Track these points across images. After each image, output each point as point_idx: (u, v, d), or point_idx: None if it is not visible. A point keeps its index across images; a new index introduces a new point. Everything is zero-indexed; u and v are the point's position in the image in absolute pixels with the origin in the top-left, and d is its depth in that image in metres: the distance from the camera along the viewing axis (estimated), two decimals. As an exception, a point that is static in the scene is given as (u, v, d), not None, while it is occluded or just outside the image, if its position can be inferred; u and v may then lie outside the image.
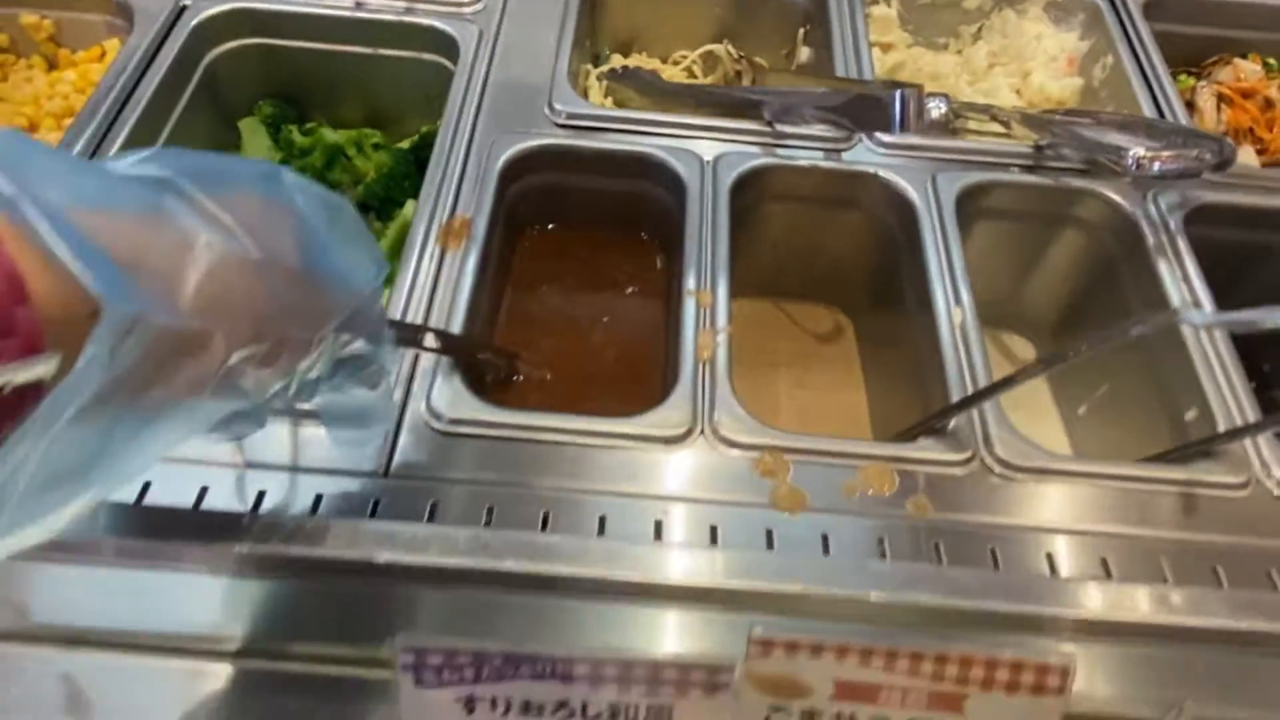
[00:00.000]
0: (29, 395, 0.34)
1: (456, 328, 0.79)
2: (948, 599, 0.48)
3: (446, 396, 0.73)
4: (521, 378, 0.90)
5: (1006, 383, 0.72)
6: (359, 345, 0.54)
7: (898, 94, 0.85)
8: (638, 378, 0.92)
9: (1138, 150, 0.87)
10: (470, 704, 0.52)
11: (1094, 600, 0.50)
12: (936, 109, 1.13)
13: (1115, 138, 0.91)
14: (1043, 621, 0.49)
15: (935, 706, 0.54)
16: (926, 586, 0.49)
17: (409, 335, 0.71)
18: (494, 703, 0.52)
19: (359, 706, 0.59)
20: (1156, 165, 0.88)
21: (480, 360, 0.83)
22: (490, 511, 0.67)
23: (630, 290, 0.98)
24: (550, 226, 1.01)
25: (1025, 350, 1.11)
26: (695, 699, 0.52)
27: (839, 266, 1.06)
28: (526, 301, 0.96)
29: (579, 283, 0.98)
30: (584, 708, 0.52)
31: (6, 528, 0.37)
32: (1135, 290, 0.92)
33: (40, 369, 0.34)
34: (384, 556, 0.47)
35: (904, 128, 0.86)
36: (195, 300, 0.39)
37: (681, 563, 0.49)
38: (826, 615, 0.53)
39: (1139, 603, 0.52)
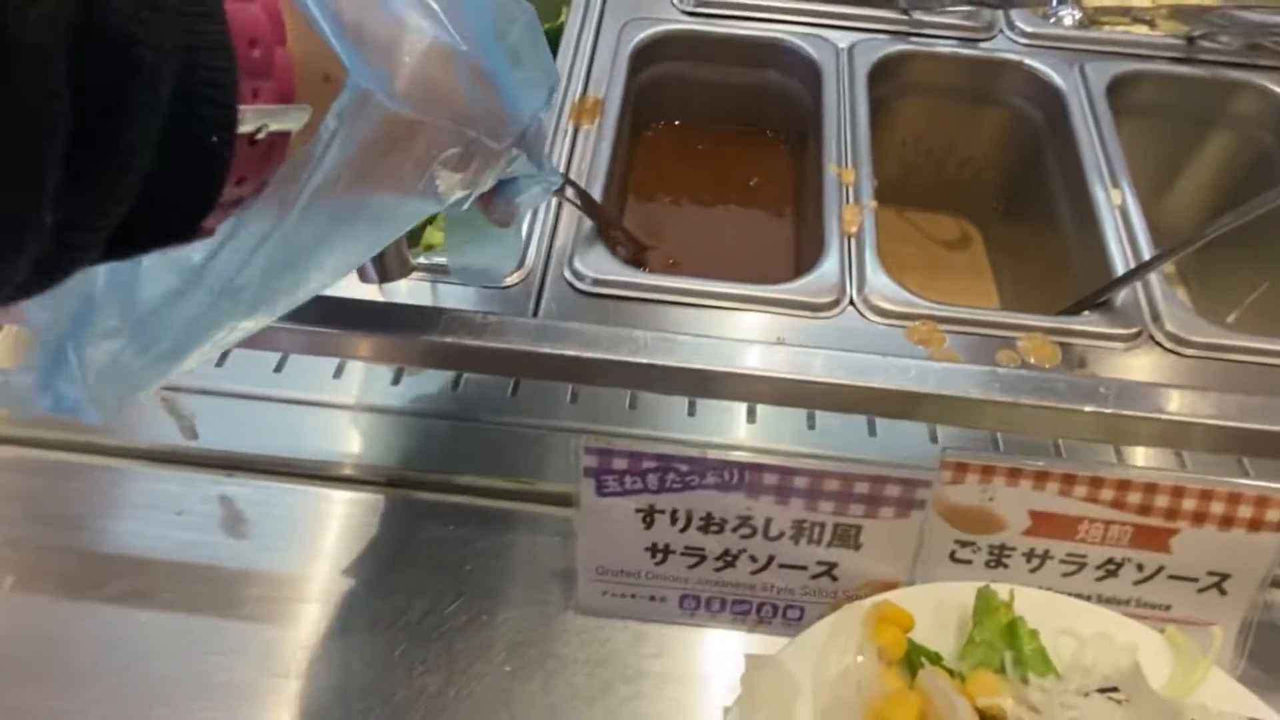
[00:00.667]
0: (276, 149, 0.33)
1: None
2: (1176, 415, 0.45)
3: (589, 258, 0.72)
4: (647, 269, 0.88)
5: (1182, 246, 0.68)
6: (520, 166, 0.53)
7: (1057, -38, 0.81)
8: (768, 271, 0.89)
9: (1314, 27, 0.82)
10: (650, 516, 0.50)
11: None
12: (1069, 16, 1.09)
13: (1282, 20, 0.86)
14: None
15: (1139, 543, 0.51)
16: (1145, 403, 0.46)
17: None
18: (674, 516, 0.50)
19: (517, 537, 0.58)
20: (1331, 47, 0.83)
21: (611, 236, 0.81)
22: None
23: (756, 184, 0.95)
24: (676, 122, 0.99)
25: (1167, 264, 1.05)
26: (886, 518, 0.49)
27: (970, 170, 1.02)
28: (652, 196, 0.94)
29: (705, 178, 0.96)
30: (767, 525, 0.50)
31: (247, 309, 0.36)
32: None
33: (295, 118, 0.32)
34: (571, 350, 0.46)
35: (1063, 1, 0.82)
36: (409, 87, 0.38)
37: (879, 371, 0.46)
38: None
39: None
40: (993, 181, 1.01)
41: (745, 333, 0.70)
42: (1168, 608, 0.52)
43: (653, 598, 0.53)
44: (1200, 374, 0.69)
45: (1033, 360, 0.69)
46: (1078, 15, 1.09)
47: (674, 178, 0.95)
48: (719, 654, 0.54)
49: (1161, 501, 0.49)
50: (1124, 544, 0.51)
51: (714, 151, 0.97)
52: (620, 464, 0.48)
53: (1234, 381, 0.68)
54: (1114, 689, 0.43)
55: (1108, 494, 0.49)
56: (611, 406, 0.64)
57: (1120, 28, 1.05)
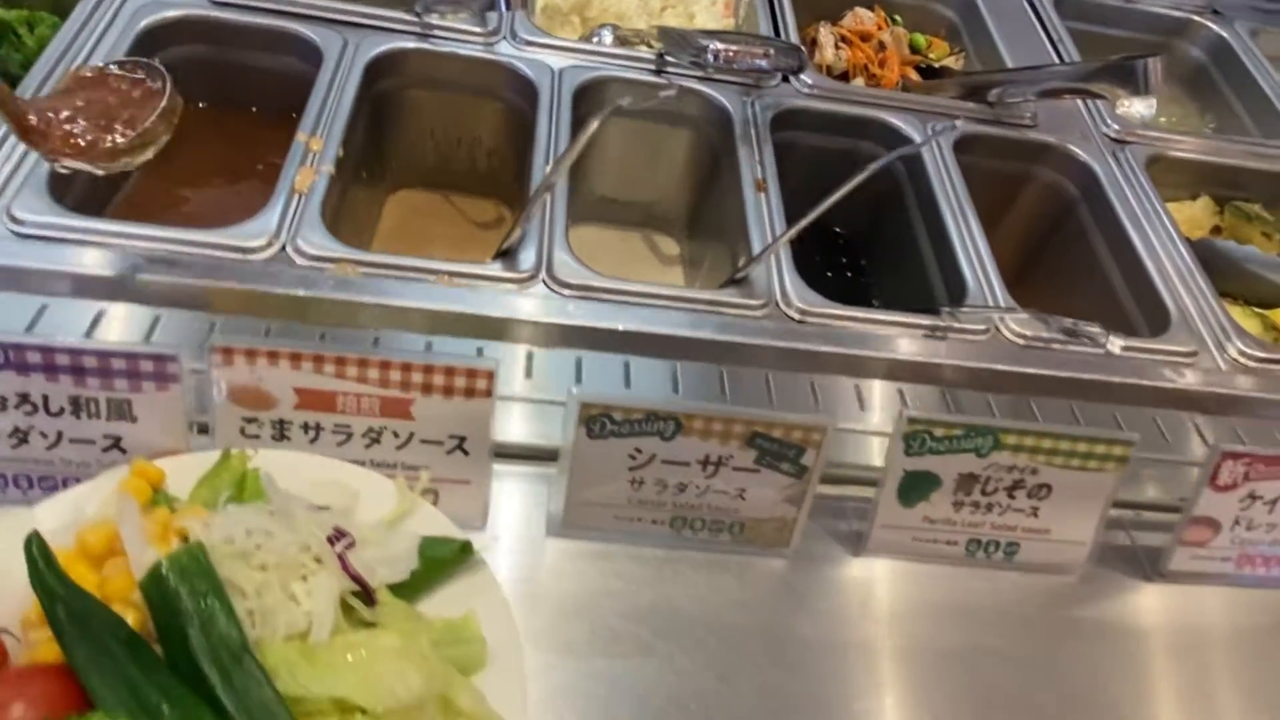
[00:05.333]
0: None
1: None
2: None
3: (29, 202, 0.77)
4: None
5: (532, 201, 0.83)
6: None
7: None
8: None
9: (716, 45, 1.02)
10: (-70, 396, 0.56)
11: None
12: (608, 36, 1.29)
13: (711, 43, 1.05)
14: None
15: (388, 413, 0.63)
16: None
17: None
18: (-46, 396, 0.56)
19: None
20: (738, 62, 1.03)
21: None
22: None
23: (266, 164, 1.03)
24: (202, 105, 1.07)
25: (671, 248, 1.24)
26: (150, 393, 0.58)
27: (497, 160, 1.16)
28: (163, 174, 1.00)
29: (221, 152, 1.03)
30: (45, 401, 0.57)
31: None
32: (730, 177, 1.06)
33: None
34: None
35: (510, 7, 0.97)
36: None
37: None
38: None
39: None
40: (510, 169, 1.15)
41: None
42: (427, 469, 0.64)
43: (-43, 478, 0.59)
44: (579, 310, 0.84)
45: (432, 297, 0.82)
46: (610, 36, 1.28)
47: (188, 158, 1.02)
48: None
49: (395, 376, 0.61)
50: (376, 414, 0.62)
51: (238, 132, 1.05)
52: (-114, 345, 0.54)
53: (610, 315, 0.84)
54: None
55: (352, 370, 0.61)
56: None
57: (639, 46, 1.24)
